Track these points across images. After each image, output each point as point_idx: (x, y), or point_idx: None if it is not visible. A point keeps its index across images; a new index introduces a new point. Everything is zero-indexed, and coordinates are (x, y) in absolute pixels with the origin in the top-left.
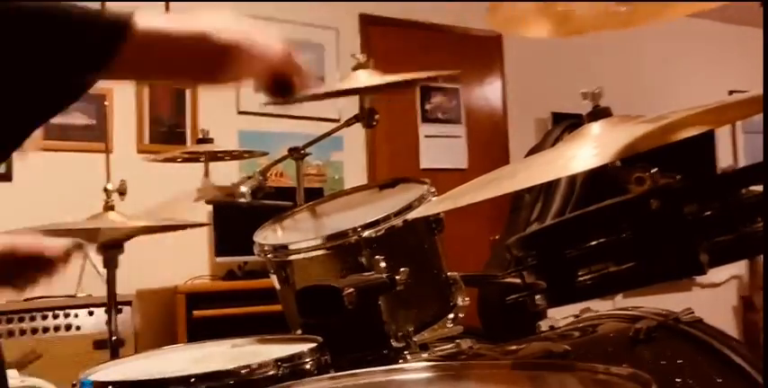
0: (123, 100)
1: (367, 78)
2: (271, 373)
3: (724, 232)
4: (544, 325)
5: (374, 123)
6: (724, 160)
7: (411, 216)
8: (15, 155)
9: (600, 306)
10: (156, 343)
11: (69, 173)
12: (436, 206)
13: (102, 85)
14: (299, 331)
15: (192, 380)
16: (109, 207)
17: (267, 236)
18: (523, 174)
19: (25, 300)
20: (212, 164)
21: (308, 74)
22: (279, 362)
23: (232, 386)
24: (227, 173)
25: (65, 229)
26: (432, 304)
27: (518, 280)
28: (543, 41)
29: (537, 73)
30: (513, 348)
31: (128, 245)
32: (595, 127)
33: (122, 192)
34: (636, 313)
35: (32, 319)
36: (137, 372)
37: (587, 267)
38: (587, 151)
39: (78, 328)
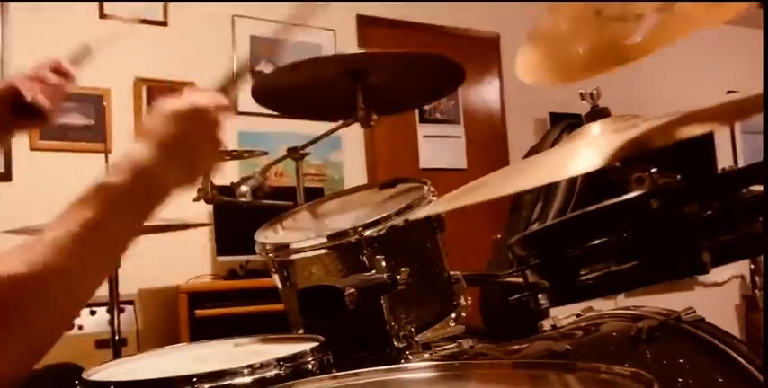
0: (122, 100)
1: None
2: (273, 372)
3: (725, 231)
4: (546, 324)
5: (372, 123)
6: (723, 160)
7: (413, 217)
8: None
9: (602, 306)
10: (158, 342)
11: (69, 173)
12: (436, 207)
13: (100, 85)
14: (301, 331)
15: (195, 379)
16: None
17: (268, 236)
18: (524, 177)
19: None
20: None
21: None
22: (281, 361)
23: (234, 386)
24: (226, 173)
25: None
26: (434, 303)
27: (520, 280)
28: None
29: None
30: (515, 347)
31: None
32: (595, 128)
33: None
34: (638, 312)
35: None
36: (139, 371)
37: (589, 266)
38: (587, 152)
39: (81, 327)
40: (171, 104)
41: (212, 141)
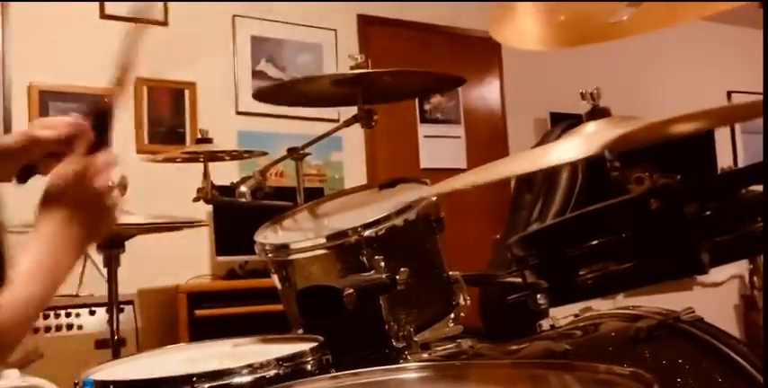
0: (123, 100)
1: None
2: (272, 372)
3: (724, 231)
4: (545, 324)
5: (373, 123)
6: (724, 160)
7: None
8: None
9: (601, 305)
10: (157, 342)
11: None
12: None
13: (100, 85)
14: (301, 331)
15: (194, 379)
16: None
17: (268, 236)
18: (509, 164)
19: None
20: (211, 164)
21: None
22: (280, 361)
23: (234, 386)
24: (226, 174)
25: None
26: (433, 303)
27: (519, 280)
28: None
29: (535, 73)
30: (514, 347)
31: (129, 244)
32: (591, 126)
33: (123, 186)
34: (637, 312)
35: None
36: (138, 371)
37: (588, 266)
38: (573, 144)
39: (80, 327)
40: (54, 189)
41: (99, 210)
